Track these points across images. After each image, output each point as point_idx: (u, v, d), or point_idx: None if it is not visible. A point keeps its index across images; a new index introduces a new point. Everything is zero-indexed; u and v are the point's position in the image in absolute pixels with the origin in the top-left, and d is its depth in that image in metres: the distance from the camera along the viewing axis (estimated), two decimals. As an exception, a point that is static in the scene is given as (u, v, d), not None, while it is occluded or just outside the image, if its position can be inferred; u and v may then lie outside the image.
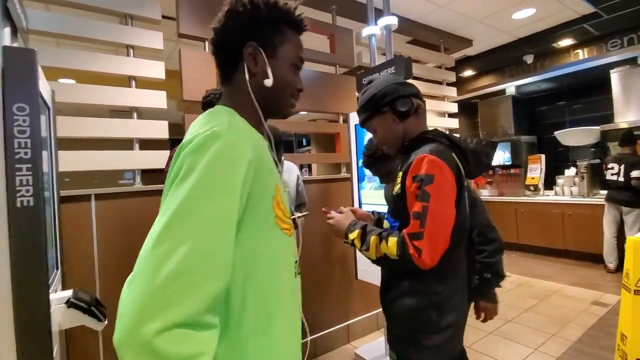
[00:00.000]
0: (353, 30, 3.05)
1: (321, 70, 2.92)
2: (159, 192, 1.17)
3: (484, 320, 1.47)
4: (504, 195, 5.59)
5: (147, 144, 1.98)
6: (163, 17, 2.13)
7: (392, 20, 2.32)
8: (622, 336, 1.28)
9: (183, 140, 0.60)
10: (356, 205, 2.42)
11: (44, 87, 1.29)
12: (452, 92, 4.17)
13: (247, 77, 0.69)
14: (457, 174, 0.99)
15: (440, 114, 4.06)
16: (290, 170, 1.91)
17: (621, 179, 3.83)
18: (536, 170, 5.38)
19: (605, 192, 4.18)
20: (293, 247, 0.72)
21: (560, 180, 5.13)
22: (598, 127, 4.77)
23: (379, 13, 2.51)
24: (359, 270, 2.43)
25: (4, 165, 0.92)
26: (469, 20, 4.08)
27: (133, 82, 2.02)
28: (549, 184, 5.34)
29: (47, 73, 1.87)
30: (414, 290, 1.04)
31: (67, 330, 1.46)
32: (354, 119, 2.36)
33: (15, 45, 1.15)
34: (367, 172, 1.82)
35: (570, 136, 5.14)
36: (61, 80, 4.05)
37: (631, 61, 4.62)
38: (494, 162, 5.89)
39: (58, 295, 1.26)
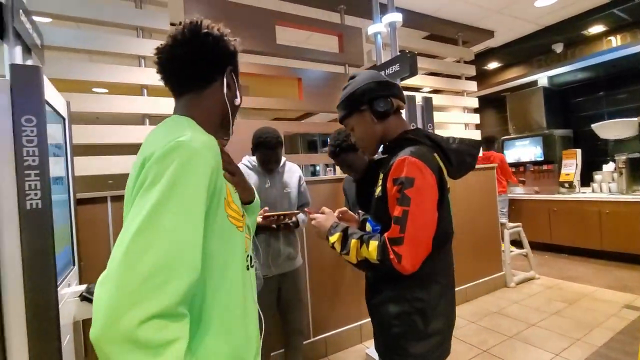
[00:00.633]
0: (362, 29, 3.04)
1: (330, 70, 2.93)
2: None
3: None
4: (537, 194, 5.29)
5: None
6: (171, 24, 2.26)
7: (396, 17, 2.30)
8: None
9: (144, 152, 0.64)
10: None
11: (58, 99, 1.41)
12: (472, 86, 4.03)
13: (225, 92, 0.78)
14: (438, 176, 0.96)
15: (459, 109, 3.94)
16: (292, 171, 1.94)
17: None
18: (571, 166, 5.05)
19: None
20: (244, 242, 0.77)
21: (597, 177, 4.80)
22: (637, 119, 4.41)
23: (386, 9, 2.48)
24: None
25: (15, 171, 1.03)
26: (486, 11, 3.93)
27: (145, 91, 2.16)
28: (586, 180, 5.00)
29: (80, 85, 2.05)
30: (397, 296, 1.01)
31: (85, 322, 1.59)
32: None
33: (29, 62, 1.27)
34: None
35: (608, 129, 4.77)
36: (95, 90, 4.37)
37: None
38: (526, 158, 5.63)
39: (72, 289, 1.38)
